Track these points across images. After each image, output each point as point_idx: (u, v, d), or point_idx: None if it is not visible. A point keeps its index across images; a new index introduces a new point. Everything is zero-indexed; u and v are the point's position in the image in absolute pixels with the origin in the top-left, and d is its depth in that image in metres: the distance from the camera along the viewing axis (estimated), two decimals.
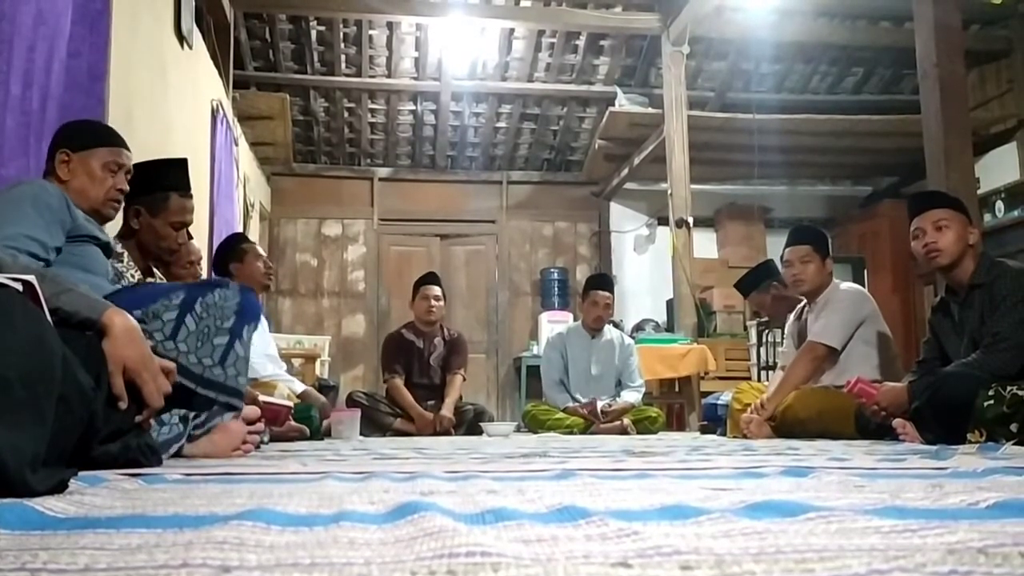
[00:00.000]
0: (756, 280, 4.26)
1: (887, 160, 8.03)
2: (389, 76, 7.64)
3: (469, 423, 4.82)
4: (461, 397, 4.97)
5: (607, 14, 6.81)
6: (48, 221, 1.90)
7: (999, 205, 6.58)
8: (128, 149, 2.21)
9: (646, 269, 8.55)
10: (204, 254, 4.02)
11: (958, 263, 2.79)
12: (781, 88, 7.92)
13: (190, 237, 3.16)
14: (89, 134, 2.17)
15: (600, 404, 4.69)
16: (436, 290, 5.01)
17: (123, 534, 0.64)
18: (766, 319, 5.72)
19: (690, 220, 6.55)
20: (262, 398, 2.98)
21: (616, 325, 5.81)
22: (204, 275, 3.82)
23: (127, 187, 2.19)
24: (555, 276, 8.42)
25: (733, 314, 7.16)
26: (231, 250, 3.87)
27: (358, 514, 0.76)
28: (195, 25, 4.85)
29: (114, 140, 2.19)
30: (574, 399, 4.83)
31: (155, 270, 2.73)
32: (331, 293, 8.50)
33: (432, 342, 5.02)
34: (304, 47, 7.22)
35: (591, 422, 4.66)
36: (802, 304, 3.73)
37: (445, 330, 5.14)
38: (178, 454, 1.86)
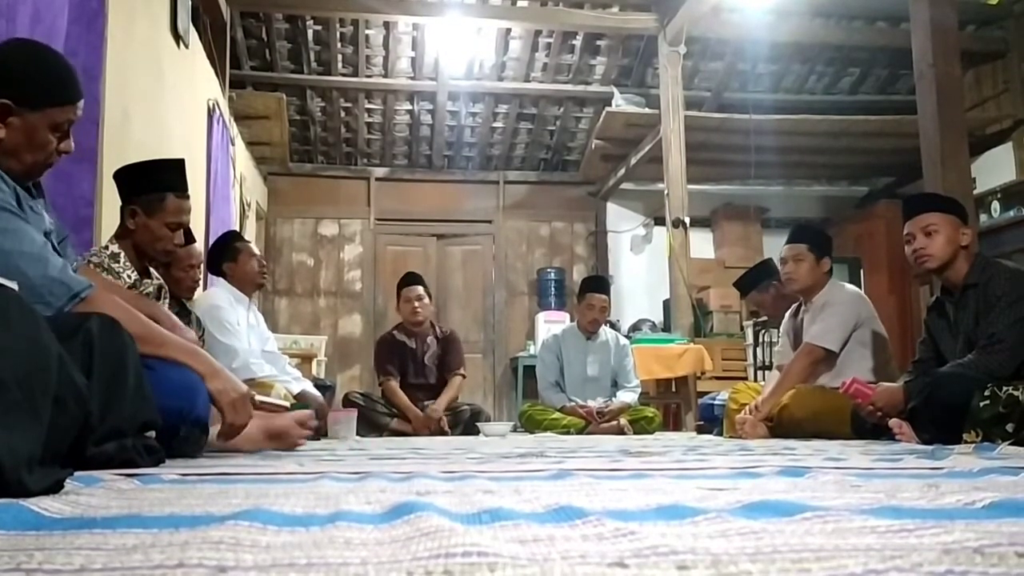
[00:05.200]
0: (756, 279, 4.26)
1: (883, 160, 8.04)
2: (386, 76, 7.63)
3: (466, 423, 4.80)
4: (457, 396, 4.94)
5: (604, 14, 6.81)
6: (18, 222, 1.63)
7: (995, 205, 6.59)
8: (83, 96, 1.76)
9: (643, 269, 8.55)
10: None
11: (949, 265, 2.80)
12: (777, 88, 7.93)
13: (193, 240, 3.14)
14: (45, 88, 1.68)
15: (596, 404, 4.69)
16: (419, 290, 4.92)
17: (119, 534, 0.64)
18: (763, 319, 5.72)
19: (687, 220, 6.55)
20: (258, 398, 2.97)
21: (612, 325, 5.81)
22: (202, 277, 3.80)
23: (72, 148, 1.76)
24: (552, 276, 8.42)
25: (730, 314, 7.17)
26: (225, 249, 3.85)
27: (354, 514, 0.75)
28: (191, 24, 4.84)
29: (71, 95, 1.72)
30: (571, 400, 4.83)
31: (152, 271, 2.71)
32: (327, 293, 8.49)
33: (424, 341, 4.99)
34: (301, 47, 7.21)
35: (588, 422, 4.65)
36: (798, 303, 3.74)
37: (437, 328, 5.09)
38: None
